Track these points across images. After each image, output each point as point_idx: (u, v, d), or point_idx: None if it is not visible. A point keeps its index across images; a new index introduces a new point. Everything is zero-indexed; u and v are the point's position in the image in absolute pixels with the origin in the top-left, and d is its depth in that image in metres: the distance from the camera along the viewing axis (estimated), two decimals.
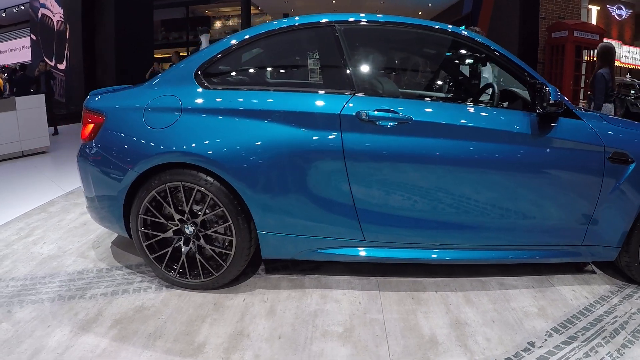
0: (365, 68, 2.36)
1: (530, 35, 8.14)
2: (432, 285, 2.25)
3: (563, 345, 1.77)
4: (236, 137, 2.03)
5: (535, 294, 2.18)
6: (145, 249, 2.16)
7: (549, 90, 1.98)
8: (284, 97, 2.11)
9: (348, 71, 2.13)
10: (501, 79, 3.11)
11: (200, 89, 2.15)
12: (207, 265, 2.14)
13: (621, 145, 2.14)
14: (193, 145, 2.02)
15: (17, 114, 5.56)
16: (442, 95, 2.82)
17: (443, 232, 2.15)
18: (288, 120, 2.04)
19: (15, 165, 5.23)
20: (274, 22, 2.28)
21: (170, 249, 2.16)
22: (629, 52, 12.91)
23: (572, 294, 2.19)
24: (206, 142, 2.03)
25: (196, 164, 2.03)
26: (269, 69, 2.49)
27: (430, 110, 2.10)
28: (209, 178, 2.03)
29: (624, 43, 12.62)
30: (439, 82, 2.96)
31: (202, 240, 2.13)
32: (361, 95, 2.09)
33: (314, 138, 2.03)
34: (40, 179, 4.55)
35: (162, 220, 2.14)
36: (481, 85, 2.86)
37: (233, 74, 2.31)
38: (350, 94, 2.08)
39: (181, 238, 2.15)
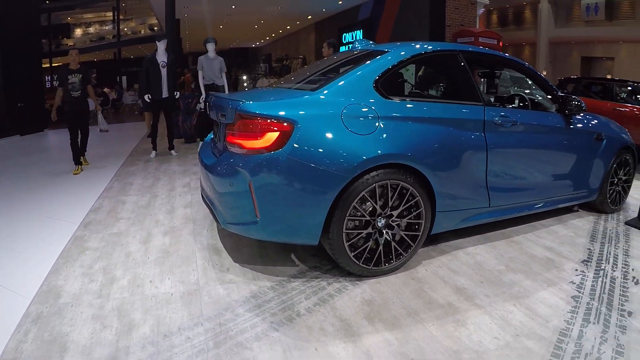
0: (483, 87, 3.14)
1: (438, 41, 9.72)
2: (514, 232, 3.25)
3: (598, 245, 2.90)
4: (422, 138, 2.55)
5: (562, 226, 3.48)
6: (347, 248, 2.41)
7: (574, 99, 3.21)
8: (445, 107, 2.76)
9: (476, 89, 2.90)
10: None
11: (383, 99, 2.53)
12: (400, 249, 2.57)
13: (599, 129, 3.47)
14: (398, 147, 2.44)
15: None
16: (516, 104, 3.71)
17: (529, 193, 3.14)
18: (452, 124, 2.69)
19: None
20: (417, 46, 2.84)
21: (370, 243, 2.45)
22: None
23: (580, 222, 3.50)
24: (406, 144, 2.47)
25: (402, 162, 2.44)
26: (425, 83, 3.02)
27: (521, 115, 3.06)
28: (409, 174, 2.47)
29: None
30: (514, 95, 3.84)
31: (395, 229, 2.51)
32: (487, 106, 2.87)
33: (471, 136, 2.73)
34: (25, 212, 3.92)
35: (368, 218, 2.42)
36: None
37: (402, 87, 2.80)
38: (482, 105, 2.82)
39: (376, 232, 2.48)
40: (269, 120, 2.29)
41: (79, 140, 5.33)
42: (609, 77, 17.61)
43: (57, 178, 5.03)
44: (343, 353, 1.88)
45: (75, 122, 5.29)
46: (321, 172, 2.28)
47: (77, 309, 2.19)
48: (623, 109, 6.63)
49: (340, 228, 2.36)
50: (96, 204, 3.95)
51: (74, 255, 2.83)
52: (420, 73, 3.19)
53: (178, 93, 6.12)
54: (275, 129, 2.27)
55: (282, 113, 2.31)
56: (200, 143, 6.45)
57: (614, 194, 3.73)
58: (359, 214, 2.39)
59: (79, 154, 5.35)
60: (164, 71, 5.82)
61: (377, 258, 2.50)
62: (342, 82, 2.55)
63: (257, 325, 2.07)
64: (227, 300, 2.29)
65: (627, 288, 2.51)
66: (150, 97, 5.88)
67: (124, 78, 15.31)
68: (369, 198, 2.40)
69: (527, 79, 3.55)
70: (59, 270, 2.62)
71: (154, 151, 6.20)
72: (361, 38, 11.85)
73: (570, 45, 24.49)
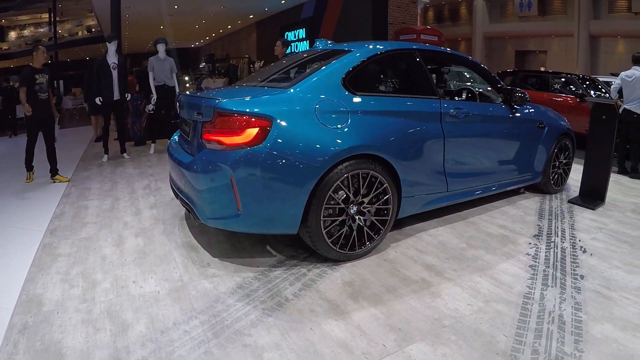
0: (439, 82, 3.37)
1: (381, 39, 10.02)
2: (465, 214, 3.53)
3: (546, 221, 3.34)
4: (387, 130, 2.73)
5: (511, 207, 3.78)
6: (325, 236, 2.54)
7: (518, 91, 3.55)
8: (407, 101, 2.95)
9: (432, 84, 3.13)
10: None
11: (351, 95, 2.68)
12: (371, 234, 2.74)
13: (541, 118, 3.83)
14: (367, 139, 2.61)
15: None
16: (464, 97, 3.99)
17: (481, 177, 3.43)
18: (413, 116, 2.89)
19: None
20: (379, 46, 2.99)
21: (344, 229, 2.61)
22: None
23: (528, 202, 3.84)
24: (374, 136, 2.65)
25: (371, 152, 2.61)
26: (386, 79, 3.17)
27: (473, 107, 3.34)
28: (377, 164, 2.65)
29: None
30: (463, 88, 4.13)
31: (366, 215, 2.68)
32: (442, 99, 3.11)
33: (430, 127, 2.96)
34: None
35: (342, 205, 2.57)
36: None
37: (366, 83, 2.93)
38: (437, 98, 3.06)
39: (349, 219, 2.63)
40: (247, 117, 2.37)
41: (46, 151, 4.77)
42: (543, 69, 18.99)
43: (10, 187, 4.73)
44: (337, 330, 2.01)
45: (40, 127, 4.70)
46: (299, 164, 2.41)
47: (64, 315, 2.14)
48: (558, 99, 7.30)
49: (318, 216, 2.49)
50: (58, 211, 3.78)
51: (47, 263, 2.72)
52: (382, 70, 3.37)
53: (129, 95, 5.95)
54: (255, 125, 2.36)
55: (260, 110, 2.41)
56: (152, 145, 6.34)
57: (556, 176, 4.14)
58: (334, 202, 2.54)
59: (51, 170, 4.80)
60: (115, 73, 5.63)
61: (351, 243, 2.66)
62: (314, 79, 2.68)
63: (250, 313, 2.14)
64: (215, 293, 2.34)
65: (577, 256, 2.84)
66: (101, 99, 5.67)
67: (61, 82, 14.37)
68: (342, 187, 2.55)
69: (475, 73, 3.85)
70: (35, 278, 2.52)
71: (105, 155, 5.98)
72: (304, 37, 12.02)
73: (504, 39, 26.09)
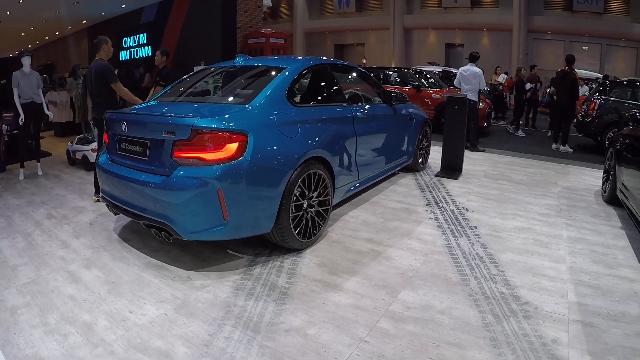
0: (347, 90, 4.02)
1: (230, 42, 10.27)
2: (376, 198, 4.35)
3: (429, 193, 4.36)
4: (324, 134, 3.30)
5: (396, 186, 4.73)
6: (293, 229, 2.99)
7: (398, 93, 4.57)
8: (331, 109, 3.55)
9: (343, 93, 3.80)
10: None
11: (294, 107, 3.14)
12: (319, 222, 3.27)
13: (410, 112, 4.99)
14: (315, 143, 3.14)
15: None
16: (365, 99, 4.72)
17: (378, 164, 4.32)
18: (336, 121, 3.52)
19: None
20: (304, 62, 3.48)
21: (303, 222, 3.08)
22: None
23: (406, 180, 4.93)
24: (318, 140, 3.19)
25: (319, 155, 3.14)
26: (314, 91, 3.62)
27: (370, 109, 4.18)
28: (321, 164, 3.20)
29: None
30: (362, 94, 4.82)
31: (315, 207, 3.19)
32: (352, 105, 3.82)
33: (347, 129, 3.65)
34: None
35: (301, 201, 3.04)
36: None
37: (300, 96, 3.37)
38: (348, 105, 3.77)
39: (304, 212, 3.10)
40: (227, 134, 2.63)
41: None
42: (364, 61, 21.71)
43: None
44: (342, 298, 2.54)
45: None
46: (274, 170, 2.82)
47: None
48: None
49: (288, 213, 2.94)
50: None
51: (9, 320, 2.37)
52: (308, 83, 3.87)
53: None
54: (235, 140, 2.64)
55: (236, 126, 2.69)
56: (21, 170, 5.37)
57: (421, 157, 5.40)
58: (295, 199, 3.00)
59: None
60: None
61: (308, 232, 3.16)
62: (267, 95, 3.04)
63: (267, 307, 2.47)
64: (221, 300, 2.55)
65: (464, 214, 3.96)
66: None
67: None
68: (302, 186, 3.04)
69: (362, 79, 4.68)
70: (11, 340, 2.19)
71: None
72: (145, 42, 11.44)
73: (324, 34, 28.77)
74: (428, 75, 9.88)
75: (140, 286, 2.72)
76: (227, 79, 3.67)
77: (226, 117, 2.73)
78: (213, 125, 2.60)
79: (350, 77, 4.74)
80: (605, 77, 12.83)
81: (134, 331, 2.26)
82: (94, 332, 2.27)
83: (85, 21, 13.50)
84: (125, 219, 3.78)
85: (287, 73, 3.27)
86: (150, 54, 11.30)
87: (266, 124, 2.87)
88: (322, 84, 3.82)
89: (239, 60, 3.80)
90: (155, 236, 2.97)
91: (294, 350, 2.08)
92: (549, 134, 9.14)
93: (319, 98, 3.73)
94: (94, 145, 5.55)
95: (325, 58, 4.05)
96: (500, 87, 11.84)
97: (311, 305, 2.47)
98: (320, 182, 3.22)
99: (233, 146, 2.63)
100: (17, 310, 2.50)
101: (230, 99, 3.27)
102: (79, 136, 6.16)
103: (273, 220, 2.88)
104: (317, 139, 3.21)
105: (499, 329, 2.25)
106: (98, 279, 2.84)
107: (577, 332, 2.21)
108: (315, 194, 3.18)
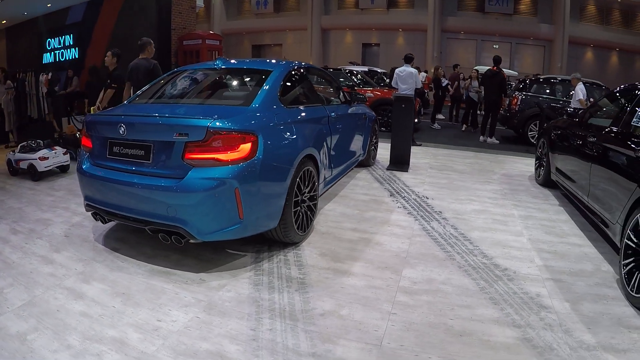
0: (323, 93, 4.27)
1: (165, 44, 9.89)
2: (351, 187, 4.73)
3: (387, 184, 4.87)
4: (312, 133, 3.56)
5: (356, 180, 5.16)
6: (294, 223, 3.20)
7: (356, 93, 5.00)
8: (313, 109, 3.82)
9: (319, 95, 4.06)
10: None
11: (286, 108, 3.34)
12: (310, 215, 3.51)
13: (363, 111, 5.44)
14: (309, 141, 3.38)
15: None
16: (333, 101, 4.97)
17: (344, 160, 4.63)
18: (318, 121, 3.80)
19: None
20: (286, 65, 3.68)
21: (301, 216, 3.31)
22: None
23: (362, 175, 5.45)
24: (310, 138, 3.43)
25: (310, 153, 3.38)
26: (298, 92, 3.81)
27: (338, 109, 4.50)
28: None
29: None
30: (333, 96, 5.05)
31: (306, 201, 3.41)
32: (326, 105, 4.12)
33: (325, 128, 3.94)
34: None
35: (299, 197, 3.25)
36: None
37: (289, 98, 3.56)
38: (323, 105, 4.06)
39: (300, 206, 3.32)
40: (241, 134, 2.75)
41: None
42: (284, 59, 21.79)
43: None
44: (356, 281, 2.83)
45: None
46: (281, 167, 3.02)
47: None
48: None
49: (291, 209, 3.15)
50: None
51: (22, 349, 2.16)
52: (293, 86, 4.06)
53: None
54: (248, 140, 2.76)
55: (247, 127, 2.82)
56: None
57: (371, 152, 5.89)
58: (294, 195, 3.21)
59: None
60: None
61: (304, 225, 3.40)
62: (264, 96, 3.19)
63: (292, 297, 2.65)
64: (245, 296, 2.65)
65: (426, 202, 4.49)
66: None
67: None
68: (299, 182, 3.25)
69: (324, 80, 4.98)
70: None
71: None
72: (72, 43, 10.61)
73: (241, 35, 28.50)
74: (359, 75, 10.49)
75: (155, 294, 2.69)
76: (217, 81, 3.74)
77: (238, 118, 2.84)
78: (229, 126, 2.70)
79: (321, 79, 5.02)
80: (536, 75, 13.93)
81: (173, 338, 2.24)
82: (129, 346, 2.18)
83: (4, 21, 12.10)
84: (102, 228, 3.63)
85: (276, 75, 3.44)
86: (77, 56, 10.46)
87: (270, 124, 3.04)
88: (304, 86, 4.05)
89: (219, 63, 3.84)
90: (163, 241, 2.96)
91: (337, 330, 2.31)
92: (463, 129, 10.40)
93: (303, 100, 3.96)
94: (42, 152, 5.13)
95: (305, 63, 4.30)
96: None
97: (332, 290, 2.72)
98: (310, 179, 3.45)
99: (247, 146, 2.75)
100: (26, 337, 2.29)
101: (230, 100, 3.40)
102: (22, 144, 5.57)
103: (279, 217, 3.06)
104: (308, 137, 3.45)
105: (492, 290, 2.72)
106: (104, 292, 2.74)
107: (551, 286, 2.77)
108: (307, 190, 3.40)
